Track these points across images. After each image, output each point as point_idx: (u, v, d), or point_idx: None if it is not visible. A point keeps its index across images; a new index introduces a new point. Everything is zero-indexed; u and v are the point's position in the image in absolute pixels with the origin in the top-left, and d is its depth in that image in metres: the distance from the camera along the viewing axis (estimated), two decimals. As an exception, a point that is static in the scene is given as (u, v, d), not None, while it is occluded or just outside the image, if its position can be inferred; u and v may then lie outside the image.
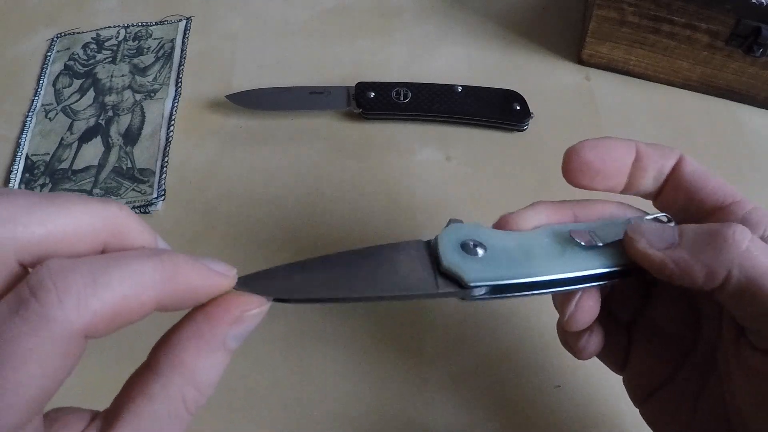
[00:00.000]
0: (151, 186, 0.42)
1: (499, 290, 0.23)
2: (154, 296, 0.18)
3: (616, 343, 0.27)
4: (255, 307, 0.20)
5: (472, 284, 0.22)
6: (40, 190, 0.42)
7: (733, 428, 0.23)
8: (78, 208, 0.18)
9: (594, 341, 0.26)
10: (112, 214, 0.19)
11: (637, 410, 0.28)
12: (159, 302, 0.18)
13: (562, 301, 0.25)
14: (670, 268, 0.22)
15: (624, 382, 0.28)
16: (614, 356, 0.28)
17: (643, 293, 0.27)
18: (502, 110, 0.43)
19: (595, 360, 0.29)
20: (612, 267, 0.24)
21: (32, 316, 0.16)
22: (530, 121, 0.43)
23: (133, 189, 0.42)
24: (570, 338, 0.27)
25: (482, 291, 0.23)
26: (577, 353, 0.27)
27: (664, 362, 0.26)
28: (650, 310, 0.27)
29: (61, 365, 0.16)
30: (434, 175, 0.42)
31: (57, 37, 0.50)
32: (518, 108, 0.43)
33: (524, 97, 0.43)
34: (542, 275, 0.23)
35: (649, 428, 0.29)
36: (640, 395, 0.27)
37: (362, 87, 0.44)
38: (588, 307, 0.25)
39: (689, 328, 0.26)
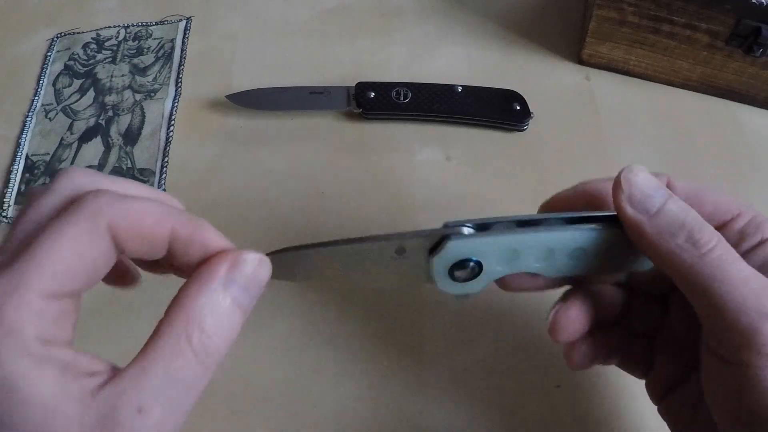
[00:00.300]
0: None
1: (483, 228, 0.24)
2: (172, 223, 0.21)
3: (639, 354, 0.28)
4: (249, 253, 0.22)
5: (453, 224, 0.24)
6: (40, 190, 0.42)
7: None
8: (137, 185, 0.23)
9: (580, 353, 0.27)
10: (164, 198, 0.24)
11: (637, 410, 0.30)
12: (174, 232, 0.21)
13: (549, 314, 0.27)
14: (632, 229, 0.23)
15: (646, 384, 0.29)
16: (639, 366, 0.29)
17: (662, 306, 0.28)
18: (502, 110, 0.43)
19: (595, 360, 0.29)
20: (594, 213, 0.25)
21: (71, 208, 0.20)
22: (530, 121, 0.43)
23: (133, 189, 0.42)
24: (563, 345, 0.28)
25: (469, 230, 0.24)
26: (567, 360, 0.28)
27: (681, 366, 0.27)
28: (668, 320, 0.28)
29: (90, 249, 0.20)
30: (434, 175, 0.42)
31: (57, 37, 0.50)
32: (518, 108, 0.43)
33: (524, 97, 0.43)
34: (525, 216, 0.25)
35: (648, 429, 0.29)
36: (658, 395, 0.28)
37: (362, 87, 0.44)
38: (569, 318, 0.26)
39: (699, 337, 0.27)
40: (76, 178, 0.22)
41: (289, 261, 0.25)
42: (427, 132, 0.44)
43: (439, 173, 0.42)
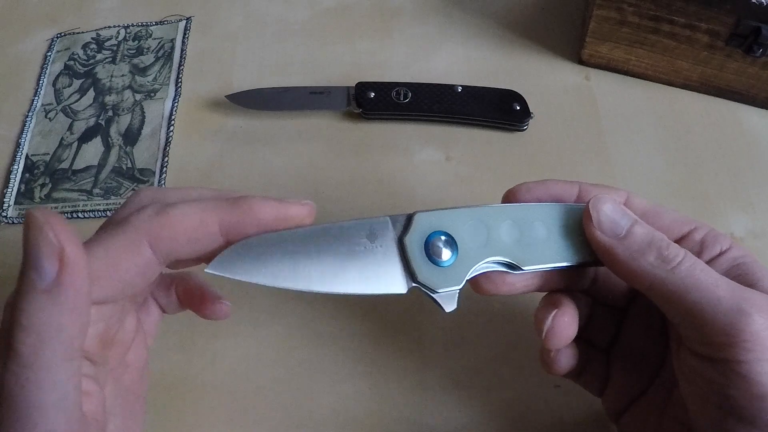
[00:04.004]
0: (152, 186, 0.42)
1: None
2: (217, 218, 0.23)
3: (596, 368, 0.29)
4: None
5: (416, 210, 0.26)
6: (40, 190, 0.42)
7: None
8: (198, 189, 0.26)
9: (566, 356, 0.28)
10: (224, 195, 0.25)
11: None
12: (223, 224, 0.23)
13: (540, 319, 0.27)
14: (604, 254, 0.25)
15: (602, 401, 0.30)
16: (596, 379, 0.30)
17: (618, 320, 0.30)
18: (502, 110, 0.43)
19: (595, 360, 0.29)
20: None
21: (119, 225, 0.22)
22: (530, 121, 0.43)
23: (133, 189, 0.42)
24: (545, 352, 0.29)
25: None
26: (550, 366, 0.28)
27: (638, 380, 0.28)
28: (625, 335, 0.29)
29: (124, 258, 0.22)
30: (434, 175, 0.42)
31: (57, 37, 0.50)
32: (518, 108, 0.43)
33: (524, 97, 0.43)
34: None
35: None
36: (616, 410, 0.29)
37: (362, 87, 0.44)
38: (564, 324, 0.26)
39: (659, 348, 0.28)
40: (142, 194, 0.24)
41: (256, 251, 0.24)
42: (427, 132, 0.44)
43: (439, 173, 0.42)
